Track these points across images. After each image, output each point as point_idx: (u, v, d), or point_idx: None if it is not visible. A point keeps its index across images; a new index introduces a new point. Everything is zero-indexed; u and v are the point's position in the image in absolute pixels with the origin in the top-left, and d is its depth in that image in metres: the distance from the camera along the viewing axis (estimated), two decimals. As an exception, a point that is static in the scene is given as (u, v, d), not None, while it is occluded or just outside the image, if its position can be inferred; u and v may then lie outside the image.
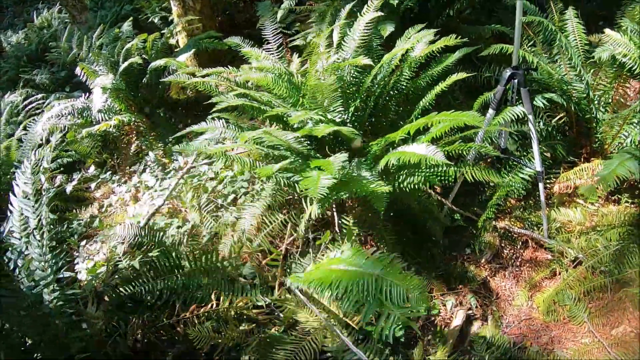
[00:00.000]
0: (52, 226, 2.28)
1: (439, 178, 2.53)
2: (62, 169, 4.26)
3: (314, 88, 2.68)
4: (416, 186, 2.54)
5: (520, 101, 2.62)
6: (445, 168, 2.51)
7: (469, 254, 3.12)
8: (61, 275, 2.27)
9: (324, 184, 2.07)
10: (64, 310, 2.19)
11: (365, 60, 2.47)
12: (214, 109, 2.78)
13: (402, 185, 2.54)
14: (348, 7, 3.06)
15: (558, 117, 3.37)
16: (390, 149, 2.55)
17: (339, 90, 2.79)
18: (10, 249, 2.33)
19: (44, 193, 2.37)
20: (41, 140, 3.97)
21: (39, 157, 2.66)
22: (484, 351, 2.59)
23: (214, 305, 2.47)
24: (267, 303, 2.55)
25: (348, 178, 2.40)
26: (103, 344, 2.35)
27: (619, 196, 3.10)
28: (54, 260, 2.20)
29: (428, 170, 2.54)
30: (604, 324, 2.61)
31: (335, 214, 3.01)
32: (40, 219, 2.30)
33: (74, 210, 3.85)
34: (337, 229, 2.97)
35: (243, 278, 2.72)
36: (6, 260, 2.30)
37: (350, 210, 3.06)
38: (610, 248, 2.71)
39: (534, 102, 3.06)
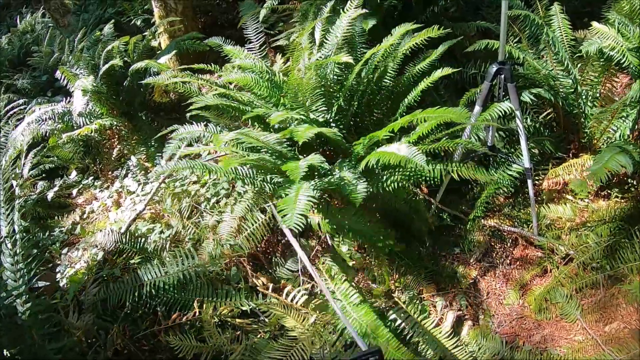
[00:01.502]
0: (24, 234, 2.19)
1: (424, 178, 2.46)
2: (44, 175, 4.17)
3: (295, 87, 2.60)
4: (401, 186, 2.48)
5: (507, 97, 2.56)
6: (429, 167, 2.44)
7: (458, 253, 3.07)
8: (36, 285, 2.19)
9: (303, 202, 1.96)
10: (39, 321, 2.11)
11: (346, 58, 2.40)
12: (191, 107, 2.70)
13: (385, 186, 2.47)
14: (330, 4, 3.00)
15: (546, 113, 3.33)
16: (375, 148, 2.48)
17: (322, 88, 2.71)
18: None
19: (16, 199, 2.29)
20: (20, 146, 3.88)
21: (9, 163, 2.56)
22: (476, 352, 2.55)
23: (197, 313, 2.41)
24: (251, 308, 2.49)
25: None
26: (83, 354, 2.28)
27: (609, 191, 3.06)
28: (26, 270, 2.11)
29: (412, 170, 2.48)
30: (597, 321, 2.59)
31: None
32: (12, 227, 2.22)
33: (56, 217, 3.78)
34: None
35: (227, 283, 2.66)
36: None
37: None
38: (601, 244, 2.69)
39: (521, 98, 3.01)
